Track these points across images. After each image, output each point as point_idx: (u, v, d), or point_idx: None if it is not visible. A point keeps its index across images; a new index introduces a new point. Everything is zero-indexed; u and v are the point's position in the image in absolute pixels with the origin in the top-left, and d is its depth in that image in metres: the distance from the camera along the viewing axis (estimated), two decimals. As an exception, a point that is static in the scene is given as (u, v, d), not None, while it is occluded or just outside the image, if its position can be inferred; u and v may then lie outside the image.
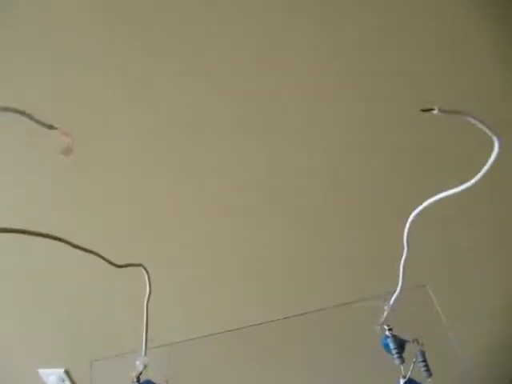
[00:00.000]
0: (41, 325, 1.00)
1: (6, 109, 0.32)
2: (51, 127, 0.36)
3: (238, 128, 0.84)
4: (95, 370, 0.63)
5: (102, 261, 0.53)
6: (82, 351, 0.73)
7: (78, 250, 0.48)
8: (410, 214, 0.56)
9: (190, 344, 0.65)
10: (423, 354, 0.62)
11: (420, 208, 0.54)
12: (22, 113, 0.34)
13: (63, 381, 1.05)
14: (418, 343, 0.63)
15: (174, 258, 0.91)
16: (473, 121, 0.45)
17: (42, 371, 1.05)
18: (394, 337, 0.64)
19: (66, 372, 1.03)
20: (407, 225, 0.56)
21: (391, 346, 0.63)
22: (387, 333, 0.64)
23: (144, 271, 0.62)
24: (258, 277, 0.87)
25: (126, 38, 0.78)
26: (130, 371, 0.60)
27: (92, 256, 0.51)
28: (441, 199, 0.52)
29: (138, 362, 0.61)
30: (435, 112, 0.42)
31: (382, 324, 0.65)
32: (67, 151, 0.36)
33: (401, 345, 0.64)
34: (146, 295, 0.64)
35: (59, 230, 0.44)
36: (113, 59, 0.79)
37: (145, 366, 0.61)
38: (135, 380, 0.60)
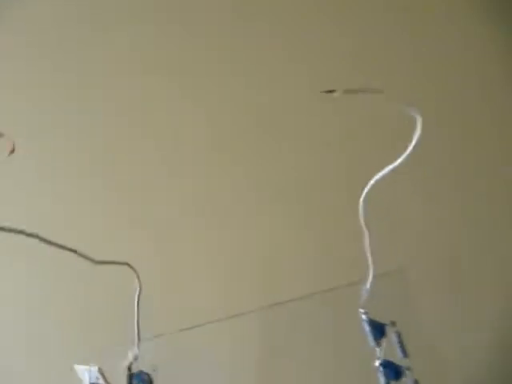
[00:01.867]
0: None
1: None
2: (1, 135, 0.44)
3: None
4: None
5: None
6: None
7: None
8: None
9: (179, 335, 0.70)
10: (399, 335, 0.62)
11: (367, 188, 0.56)
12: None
13: (97, 378, 1.12)
14: (393, 325, 0.63)
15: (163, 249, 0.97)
16: (382, 96, 0.47)
17: (77, 367, 1.13)
18: (371, 321, 0.65)
19: (100, 370, 1.10)
20: (360, 207, 0.58)
21: (366, 328, 0.64)
22: (363, 316, 0.65)
23: (132, 270, 0.68)
24: (244, 264, 0.90)
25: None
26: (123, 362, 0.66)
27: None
28: (385, 176, 0.54)
29: (129, 354, 0.67)
30: (336, 94, 0.45)
31: (360, 309, 0.66)
32: (11, 153, 0.43)
33: (380, 328, 0.65)
34: (136, 292, 0.70)
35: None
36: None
37: (136, 357, 0.67)
38: (127, 370, 0.66)
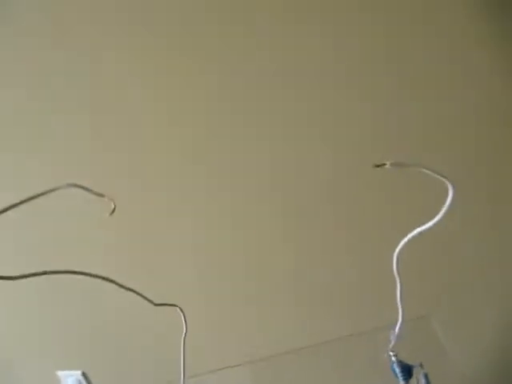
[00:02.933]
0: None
1: (70, 185, 0.47)
2: (101, 195, 0.51)
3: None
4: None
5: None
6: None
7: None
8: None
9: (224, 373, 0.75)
10: (426, 376, 0.69)
11: (403, 243, 0.64)
12: (82, 187, 0.49)
13: (80, 383, 1.10)
14: (421, 367, 0.70)
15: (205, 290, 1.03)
16: (425, 171, 0.56)
17: (60, 373, 1.12)
18: (400, 362, 0.71)
19: (84, 374, 1.09)
20: (394, 259, 0.66)
21: (397, 370, 0.70)
22: (393, 358, 0.71)
23: (179, 311, 0.74)
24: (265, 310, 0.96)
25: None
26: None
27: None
28: (420, 233, 0.62)
29: (177, 391, 0.72)
30: (387, 166, 0.53)
31: (388, 351, 0.73)
32: (112, 212, 0.51)
33: (408, 370, 0.71)
34: (183, 334, 0.75)
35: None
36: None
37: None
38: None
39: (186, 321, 0.75)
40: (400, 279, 0.68)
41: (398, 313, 0.71)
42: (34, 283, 1.07)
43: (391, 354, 0.72)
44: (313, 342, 0.75)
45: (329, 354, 0.76)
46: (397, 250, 0.65)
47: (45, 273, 0.55)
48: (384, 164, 0.53)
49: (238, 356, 0.78)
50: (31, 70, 0.95)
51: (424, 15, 0.88)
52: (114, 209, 0.51)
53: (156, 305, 0.68)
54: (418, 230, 0.61)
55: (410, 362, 0.72)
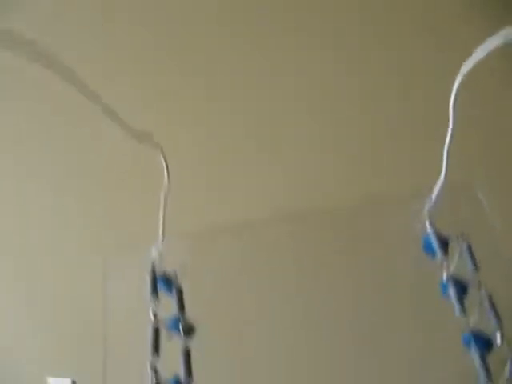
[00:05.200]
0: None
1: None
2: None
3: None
4: (108, 266, 0.60)
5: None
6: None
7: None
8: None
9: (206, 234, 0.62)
10: (470, 248, 0.55)
11: (467, 68, 0.47)
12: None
13: None
14: (463, 238, 0.56)
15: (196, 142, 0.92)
16: None
17: (51, 380, 1.07)
18: (437, 233, 0.57)
19: (73, 383, 1.04)
20: (454, 90, 0.49)
21: (432, 241, 0.56)
22: (428, 228, 0.57)
23: (162, 158, 0.58)
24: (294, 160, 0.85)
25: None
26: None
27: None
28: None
29: (153, 249, 0.57)
30: None
31: (423, 220, 0.58)
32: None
33: (444, 242, 0.57)
34: (163, 185, 0.60)
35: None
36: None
37: (160, 254, 0.57)
38: (150, 270, 0.56)
39: (167, 168, 0.59)
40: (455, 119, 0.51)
41: (440, 169, 0.56)
42: (25, 284, 0.95)
43: (426, 222, 0.57)
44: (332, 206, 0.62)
45: (356, 219, 0.62)
46: (457, 82, 0.47)
47: None
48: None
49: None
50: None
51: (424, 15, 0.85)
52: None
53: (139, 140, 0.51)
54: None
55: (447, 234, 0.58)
